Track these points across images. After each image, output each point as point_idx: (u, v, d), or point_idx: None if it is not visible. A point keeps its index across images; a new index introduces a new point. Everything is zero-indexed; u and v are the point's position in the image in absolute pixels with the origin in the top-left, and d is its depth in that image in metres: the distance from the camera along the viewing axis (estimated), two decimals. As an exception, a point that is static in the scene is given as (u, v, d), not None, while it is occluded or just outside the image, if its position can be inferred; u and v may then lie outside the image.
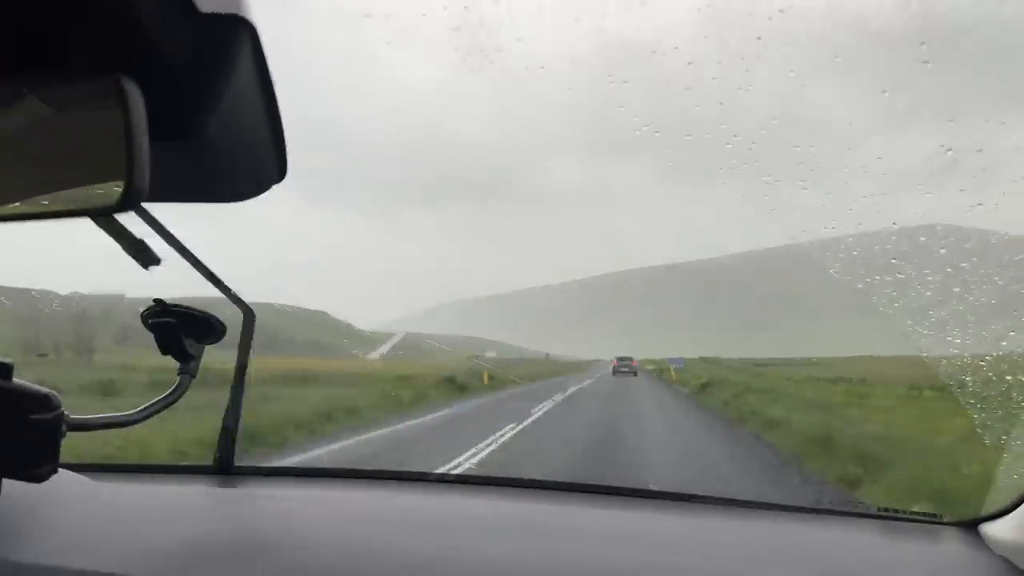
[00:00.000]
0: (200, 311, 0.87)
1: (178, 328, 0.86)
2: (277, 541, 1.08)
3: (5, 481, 0.66)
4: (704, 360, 76.49)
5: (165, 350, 0.86)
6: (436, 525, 1.21)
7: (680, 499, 1.40)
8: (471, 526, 1.20)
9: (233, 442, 1.51)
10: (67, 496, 1.19)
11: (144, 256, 0.76)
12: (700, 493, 1.40)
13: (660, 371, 56.61)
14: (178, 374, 0.86)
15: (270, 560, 1.00)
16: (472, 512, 1.30)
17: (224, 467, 1.55)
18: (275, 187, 0.66)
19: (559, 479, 1.63)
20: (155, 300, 0.86)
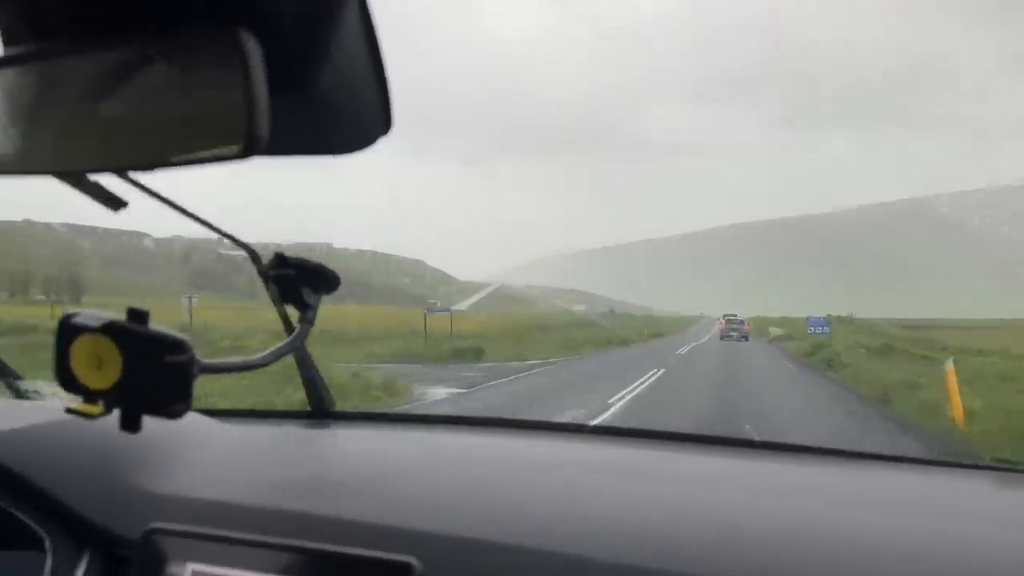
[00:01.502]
0: (316, 263, 0.92)
1: (296, 280, 0.91)
2: (385, 474, 1.11)
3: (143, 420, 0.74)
4: (838, 320, 61.66)
5: (285, 300, 0.91)
6: (537, 468, 1.19)
7: (793, 450, 1.34)
8: (576, 470, 1.17)
9: (325, 389, 1.55)
10: (196, 435, 1.26)
11: (113, 202, 1.39)
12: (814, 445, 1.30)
13: (802, 346, 33.49)
14: (298, 323, 0.90)
15: (380, 491, 1.04)
16: (575, 457, 1.26)
17: (325, 412, 1.59)
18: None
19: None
20: (276, 254, 0.90)
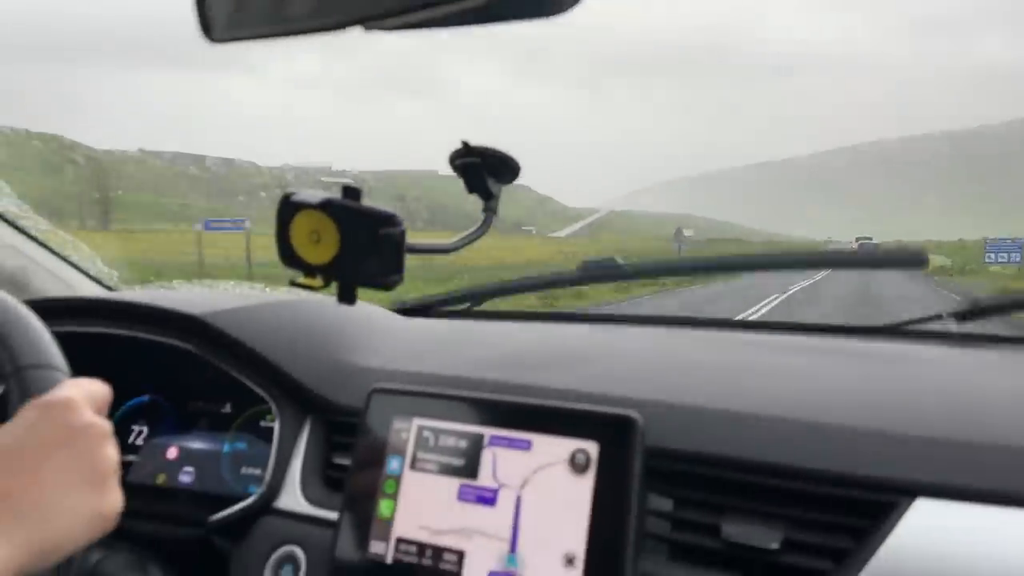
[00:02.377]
0: (500, 152, 0.91)
1: (482, 168, 0.92)
2: (587, 354, 1.13)
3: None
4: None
5: (471, 189, 0.92)
6: (728, 350, 1.19)
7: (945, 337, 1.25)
8: (770, 354, 1.15)
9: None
10: (395, 323, 1.35)
11: None
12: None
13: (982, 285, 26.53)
14: (483, 212, 0.92)
15: (587, 365, 1.06)
16: (766, 344, 1.25)
17: (509, 312, 1.61)
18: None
19: None
20: (462, 143, 0.90)
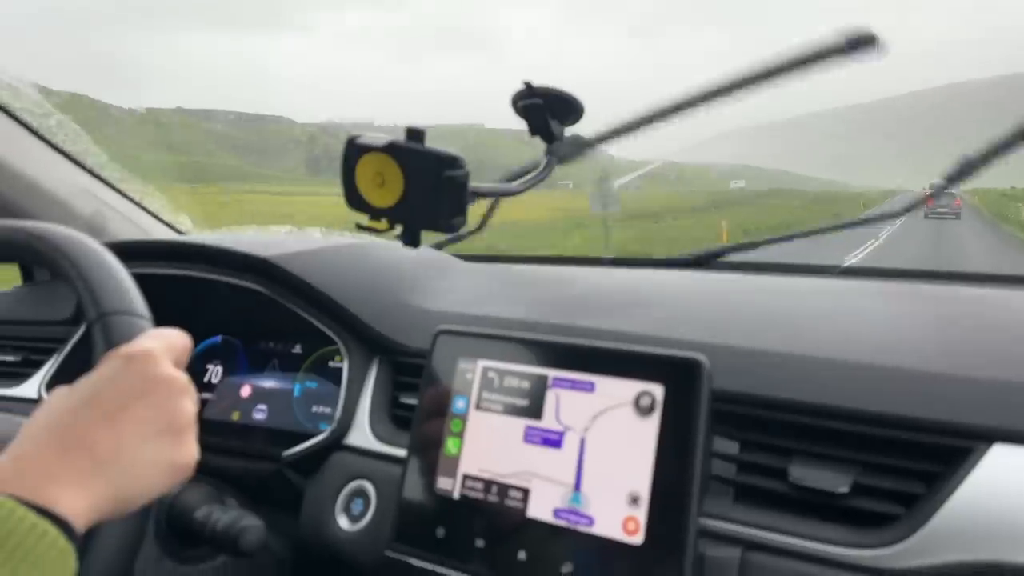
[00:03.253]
0: (563, 92, 0.90)
1: (545, 109, 0.90)
2: (652, 299, 1.10)
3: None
4: None
5: (534, 131, 0.90)
6: (801, 296, 1.15)
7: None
8: (840, 299, 1.11)
9: None
10: (459, 268, 1.34)
11: None
12: None
13: None
14: (545, 154, 0.91)
15: (653, 308, 1.04)
16: (836, 290, 1.19)
17: (571, 258, 1.63)
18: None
19: None
20: (525, 83, 0.88)
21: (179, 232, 1.63)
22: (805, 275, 1.37)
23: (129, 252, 1.04)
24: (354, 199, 0.78)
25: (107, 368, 0.65)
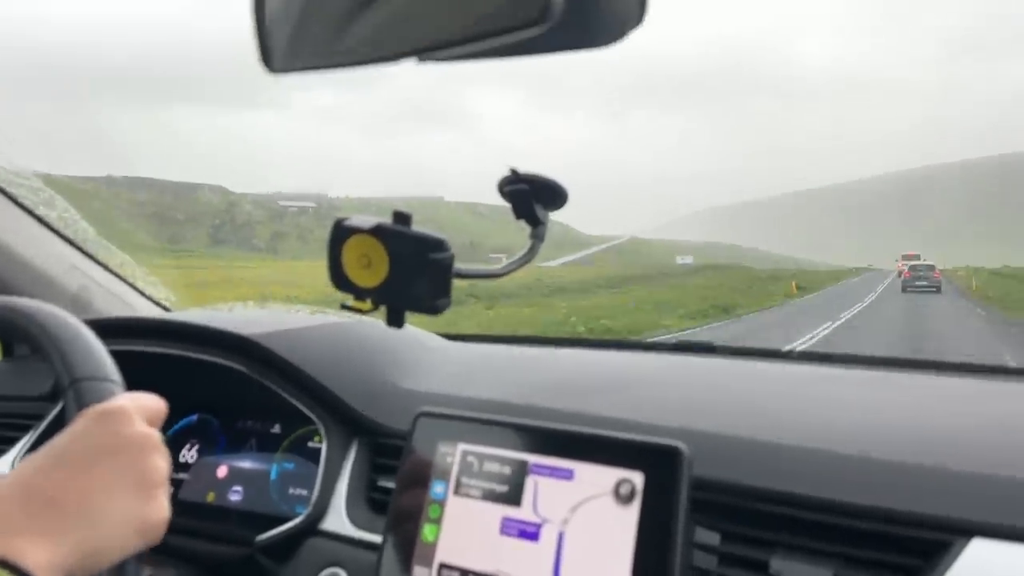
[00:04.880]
0: (548, 179, 0.91)
1: (530, 195, 0.91)
2: (635, 380, 1.14)
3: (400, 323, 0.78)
4: None
5: (518, 215, 0.91)
6: (770, 382, 1.18)
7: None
8: (809, 386, 1.14)
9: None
10: (442, 348, 1.34)
11: None
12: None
13: None
14: (530, 238, 0.91)
15: (636, 393, 1.06)
16: (804, 376, 1.24)
17: (551, 339, 1.66)
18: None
19: None
20: (511, 169, 0.90)
21: (164, 308, 1.64)
22: (774, 359, 1.41)
23: (109, 329, 1.05)
24: (340, 279, 0.80)
25: (78, 426, 0.64)
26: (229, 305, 1.63)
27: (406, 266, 0.77)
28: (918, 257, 42.39)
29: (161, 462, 0.65)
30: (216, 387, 1.24)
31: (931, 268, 37.90)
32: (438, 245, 0.77)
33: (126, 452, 0.63)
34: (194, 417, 1.28)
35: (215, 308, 1.63)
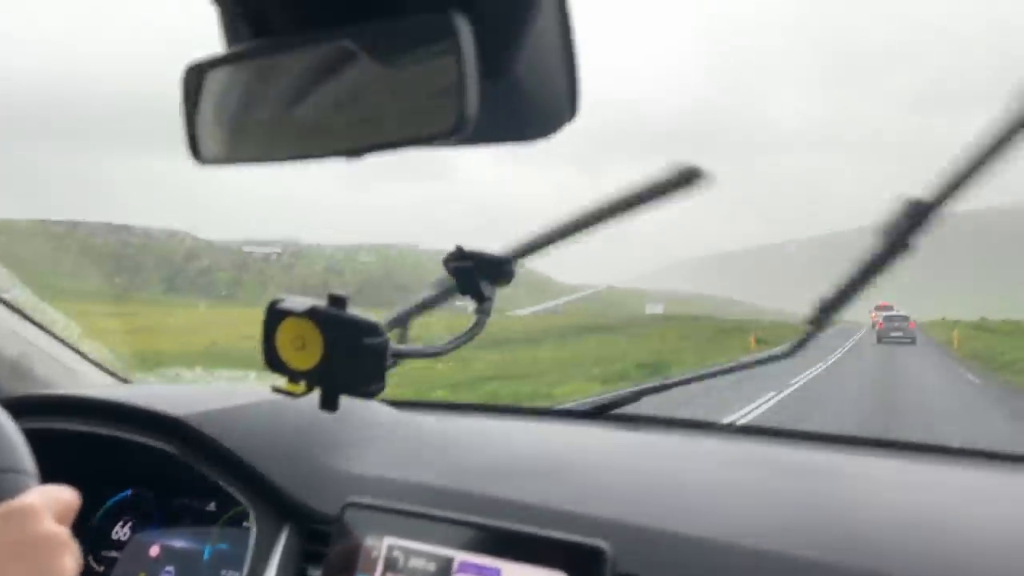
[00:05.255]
0: (494, 255, 0.93)
1: (474, 272, 0.92)
2: (567, 463, 1.14)
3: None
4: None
5: (463, 292, 0.93)
6: (707, 465, 1.17)
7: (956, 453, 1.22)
8: (740, 467, 1.15)
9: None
10: (381, 421, 1.31)
11: None
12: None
13: None
14: (475, 313, 0.92)
15: (565, 479, 1.06)
16: (736, 455, 1.23)
17: (499, 407, 1.73)
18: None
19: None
20: (456, 246, 0.91)
21: (110, 373, 1.59)
22: (705, 432, 1.41)
23: (35, 407, 1.08)
24: (273, 361, 0.79)
25: None
26: (176, 371, 1.70)
27: (340, 350, 0.77)
28: (891, 308, 39.63)
29: (70, 563, 0.62)
30: (151, 463, 1.21)
31: (905, 319, 35.93)
32: (372, 329, 0.77)
33: (33, 554, 0.60)
34: (128, 492, 1.27)
35: (161, 376, 1.67)
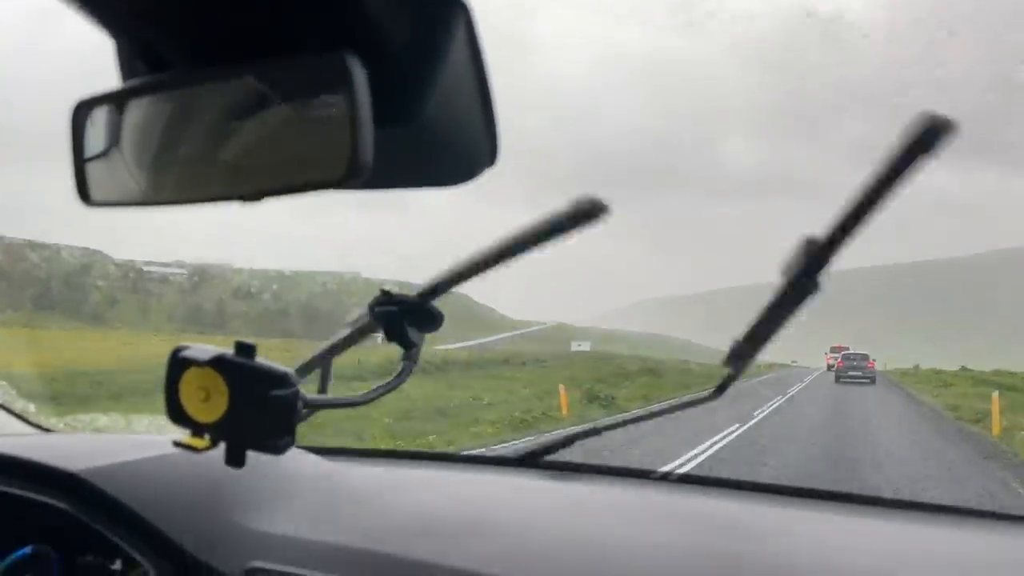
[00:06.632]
0: (422, 302, 0.88)
1: (402, 316, 0.88)
2: (482, 519, 1.11)
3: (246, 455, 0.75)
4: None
5: (390, 337, 0.89)
6: (626, 518, 1.18)
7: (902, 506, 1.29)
8: (655, 519, 1.17)
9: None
10: (298, 472, 1.26)
11: None
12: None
13: None
14: (401, 360, 0.89)
15: (488, 540, 1.02)
16: (655, 506, 1.25)
17: (426, 453, 1.81)
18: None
19: None
20: (382, 291, 0.88)
21: (29, 422, 1.52)
22: (638, 482, 1.41)
23: None
24: (176, 413, 0.75)
25: None
26: (91, 416, 1.79)
27: (247, 402, 0.72)
28: (847, 348, 38.31)
29: None
30: (54, 518, 1.14)
31: (865, 357, 34.25)
32: (281, 380, 0.72)
33: None
34: (27, 550, 1.17)
35: (66, 424, 1.61)
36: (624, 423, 1.43)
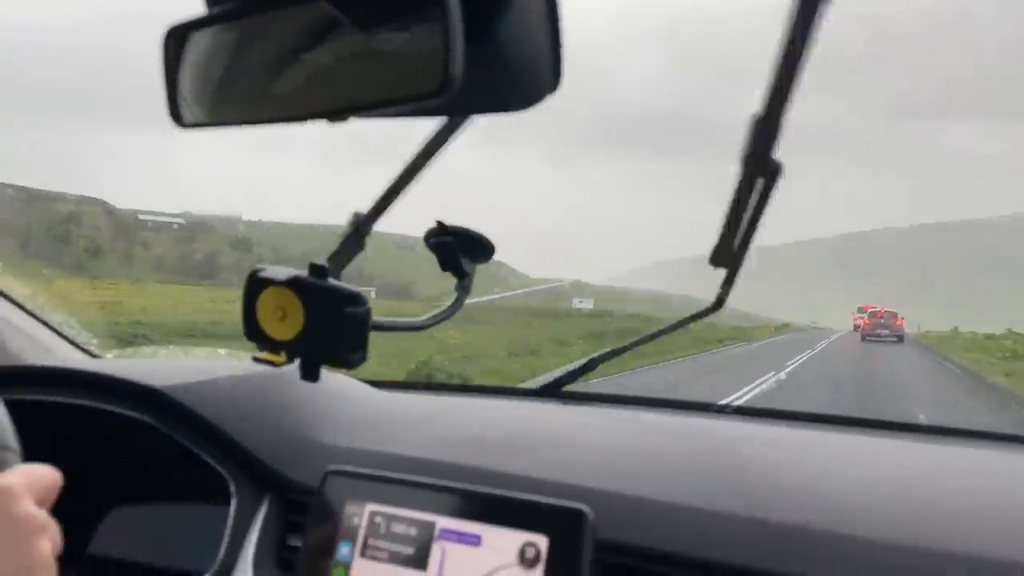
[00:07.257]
0: (474, 232, 0.93)
1: (455, 247, 0.92)
2: (548, 438, 1.15)
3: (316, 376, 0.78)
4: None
5: (444, 267, 0.93)
6: (692, 441, 1.19)
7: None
8: (728, 443, 1.18)
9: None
10: (362, 397, 1.34)
11: None
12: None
13: None
14: (455, 290, 0.93)
15: (547, 451, 1.05)
16: (725, 432, 1.27)
17: (481, 387, 1.74)
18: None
19: None
20: (437, 222, 0.92)
21: (83, 349, 1.57)
22: (711, 415, 1.43)
23: (11, 379, 1.09)
24: (253, 331, 0.78)
25: None
26: (153, 349, 1.73)
27: (322, 319, 0.76)
28: (887, 312, 35.92)
29: (46, 547, 0.60)
30: (128, 436, 1.20)
31: (893, 315, 33.32)
32: (354, 299, 0.76)
33: (9, 536, 0.58)
34: (103, 467, 1.23)
35: (136, 352, 1.66)
36: (629, 348, 1.42)
